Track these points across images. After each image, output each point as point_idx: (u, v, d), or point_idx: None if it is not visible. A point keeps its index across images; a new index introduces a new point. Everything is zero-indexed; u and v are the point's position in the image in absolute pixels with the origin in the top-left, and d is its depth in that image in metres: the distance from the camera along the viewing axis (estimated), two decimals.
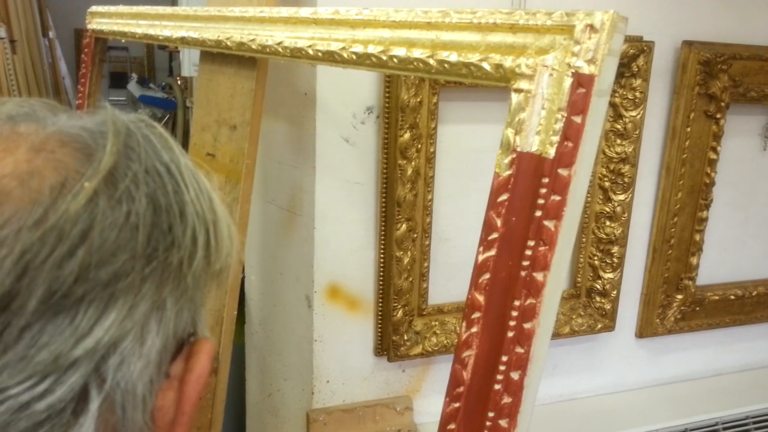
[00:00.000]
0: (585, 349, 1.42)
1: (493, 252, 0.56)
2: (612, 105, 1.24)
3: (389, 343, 1.19)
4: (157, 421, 0.36)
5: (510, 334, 0.55)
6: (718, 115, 1.33)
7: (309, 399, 1.22)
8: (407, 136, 1.09)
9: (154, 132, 0.38)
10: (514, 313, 0.55)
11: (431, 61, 0.62)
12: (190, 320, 0.37)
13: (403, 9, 0.68)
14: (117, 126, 0.36)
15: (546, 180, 0.53)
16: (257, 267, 1.36)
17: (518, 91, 0.55)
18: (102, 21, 1.36)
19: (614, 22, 0.51)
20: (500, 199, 0.56)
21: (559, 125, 0.52)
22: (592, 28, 0.51)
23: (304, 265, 1.18)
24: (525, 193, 0.54)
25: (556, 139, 0.53)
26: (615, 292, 1.34)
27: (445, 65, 0.61)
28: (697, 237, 1.40)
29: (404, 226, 1.14)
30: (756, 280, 1.51)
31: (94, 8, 1.42)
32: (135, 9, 1.25)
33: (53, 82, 5.34)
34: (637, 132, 1.25)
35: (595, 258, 1.32)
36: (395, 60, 0.67)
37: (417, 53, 0.64)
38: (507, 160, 0.55)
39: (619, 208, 1.29)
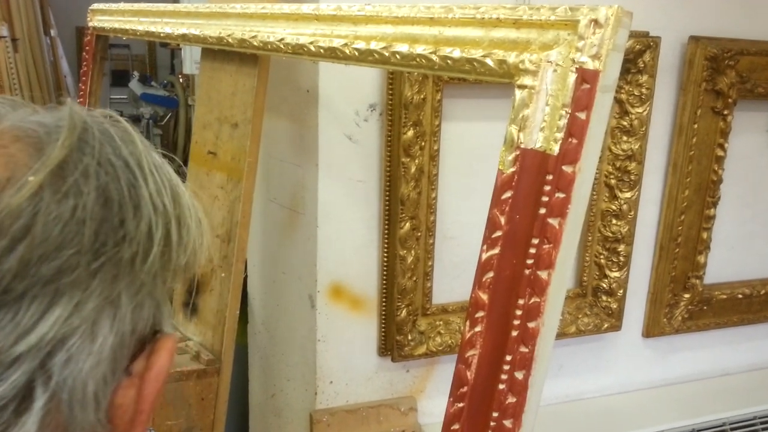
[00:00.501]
0: (591, 348, 1.41)
1: (496, 250, 0.55)
2: (618, 101, 1.23)
3: (393, 343, 1.19)
4: (115, 420, 0.35)
5: (514, 333, 0.55)
6: (726, 112, 1.32)
7: (312, 399, 1.22)
8: (410, 133, 1.08)
9: (117, 126, 0.38)
10: (519, 312, 0.54)
11: (434, 57, 0.61)
12: (151, 316, 0.37)
13: (406, 5, 0.67)
14: (74, 120, 0.35)
15: (550, 177, 0.52)
16: (259, 266, 1.35)
17: (522, 87, 0.54)
18: (103, 18, 1.36)
19: (618, 17, 0.50)
20: (504, 196, 0.55)
21: (563, 121, 0.51)
22: (596, 23, 0.50)
23: (306, 265, 1.17)
24: (529, 190, 0.53)
25: (560, 135, 0.51)
26: (621, 291, 1.32)
27: (448, 61, 0.60)
28: (705, 235, 1.39)
29: (408, 224, 1.13)
30: (764, 278, 1.50)
31: (95, 6, 1.41)
32: (136, 6, 1.24)
33: (55, 80, 5.35)
34: (643, 129, 1.23)
35: (602, 257, 1.31)
36: (398, 56, 0.66)
37: (420, 49, 0.63)
38: (511, 157, 0.54)
39: (625, 206, 1.27)
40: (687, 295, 1.41)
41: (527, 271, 0.54)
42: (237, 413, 1.49)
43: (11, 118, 0.34)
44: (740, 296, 1.46)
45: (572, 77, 0.51)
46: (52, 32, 5.86)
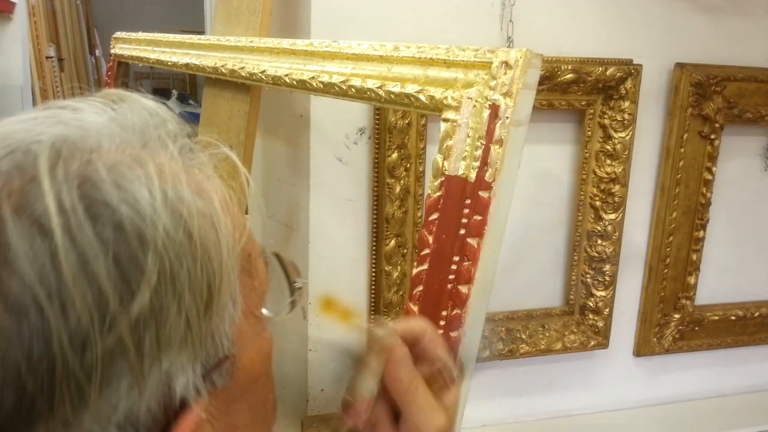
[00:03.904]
0: (581, 366, 1.44)
1: (425, 266, 0.61)
2: (601, 126, 1.27)
3: None
4: None
5: None
6: (713, 136, 1.35)
7: (304, 406, 1.28)
8: (395, 156, 1.15)
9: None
10: (442, 323, 0.60)
11: (380, 92, 0.68)
12: (161, 398, 0.33)
13: (366, 42, 0.74)
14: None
15: (468, 201, 0.58)
16: None
17: (446, 120, 0.60)
18: (124, 46, 1.47)
19: (527, 59, 0.56)
20: (431, 218, 0.61)
21: (479, 152, 0.57)
22: (506, 64, 0.56)
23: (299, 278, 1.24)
24: (451, 212, 0.59)
25: (476, 164, 0.58)
26: (607, 310, 1.36)
27: (391, 95, 0.67)
28: (694, 256, 1.41)
29: (393, 241, 1.19)
30: (758, 301, 1.51)
31: (118, 34, 1.53)
32: (151, 36, 1.35)
33: None
34: (626, 153, 1.28)
35: (588, 276, 1.35)
36: (353, 90, 0.73)
37: (370, 83, 0.70)
38: (437, 183, 0.60)
39: (610, 227, 1.31)
40: (677, 316, 1.43)
41: (449, 286, 0.60)
42: None
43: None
44: (733, 318, 1.48)
45: (486, 113, 0.57)
46: (97, 52, 6.14)
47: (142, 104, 0.39)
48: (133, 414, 0.32)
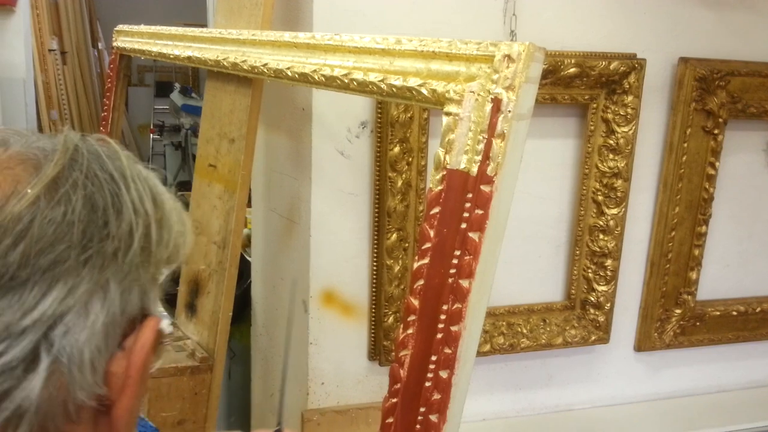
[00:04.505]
0: (582, 361, 1.44)
1: (426, 260, 0.61)
2: (604, 121, 1.27)
3: (381, 348, 1.25)
4: (111, 385, 0.43)
5: (439, 335, 0.60)
6: (716, 131, 1.34)
7: (305, 400, 1.28)
8: (397, 150, 1.15)
9: (108, 147, 0.47)
10: (443, 317, 0.60)
11: (383, 85, 0.68)
12: (139, 300, 0.44)
13: (368, 35, 0.73)
14: (66, 144, 0.44)
15: (470, 195, 0.58)
16: (261, 272, 1.43)
17: (448, 114, 0.60)
18: (126, 39, 1.47)
19: (530, 52, 0.56)
20: (433, 211, 0.61)
21: (481, 146, 0.57)
22: (509, 58, 0.56)
23: (300, 271, 1.25)
24: (453, 207, 0.59)
25: (478, 158, 0.57)
26: (609, 305, 1.35)
27: (393, 89, 0.67)
28: (696, 252, 1.41)
29: (394, 235, 1.19)
30: (760, 296, 1.50)
31: (120, 27, 1.52)
32: (153, 29, 1.34)
33: (101, 91, 5.60)
34: (629, 147, 1.27)
35: (589, 271, 1.34)
36: (355, 83, 0.72)
37: (372, 77, 0.70)
38: (438, 177, 0.60)
39: (612, 222, 1.31)
40: (678, 311, 1.43)
41: (450, 280, 0.59)
42: (241, 411, 1.57)
43: (18, 145, 0.43)
44: (735, 313, 1.47)
45: (489, 106, 0.57)
46: (100, 45, 6.13)
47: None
48: (131, 289, 0.43)
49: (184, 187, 4.90)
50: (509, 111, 0.56)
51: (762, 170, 1.46)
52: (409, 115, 1.15)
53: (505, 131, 0.56)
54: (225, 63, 1.02)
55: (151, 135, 6.07)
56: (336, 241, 1.22)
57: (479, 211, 0.58)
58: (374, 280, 1.23)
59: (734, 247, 1.47)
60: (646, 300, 1.42)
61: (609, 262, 1.33)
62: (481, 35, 0.74)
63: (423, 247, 0.61)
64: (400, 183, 1.17)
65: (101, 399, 0.43)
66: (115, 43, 1.52)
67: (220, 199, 1.12)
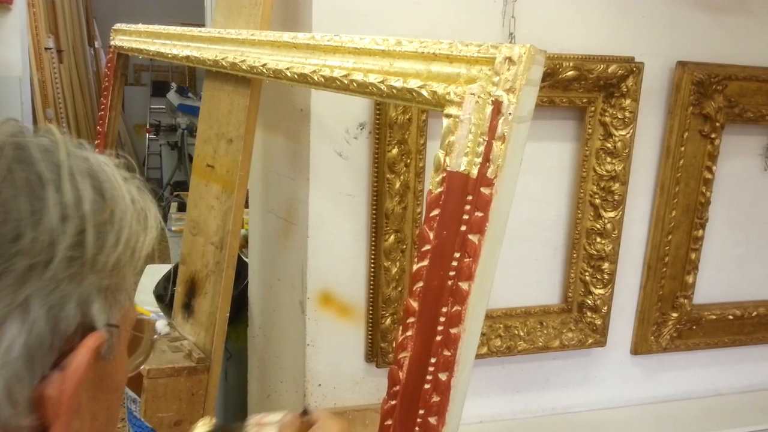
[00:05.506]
0: (578, 363, 1.44)
1: (425, 262, 0.61)
2: (602, 124, 1.27)
3: (378, 350, 1.24)
4: (46, 409, 0.39)
5: (438, 338, 0.60)
6: (713, 135, 1.34)
7: (302, 401, 1.28)
8: (395, 151, 1.15)
9: (50, 138, 0.42)
10: (442, 319, 0.60)
11: (383, 87, 0.68)
12: (77, 315, 0.40)
13: (368, 36, 0.73)
14: None
15: (470, 198, 0.58)
16: (258, 273, 1.43)
17: (448, 116, 0.60)
18: (123, 38, 1.46)
19: (531, 55, 0.56)
20: (432, 213, 0.61)
21: (481, 148, 0.57)
22: (510, 60, 0.56)
23: (298, 272, 1.24)
24: (453, 209, 0.59)
25: (478, 160, 0.57)
26: (606, 308, 1.36)
27: (393, 90, 0.67)
28: (693, 255, 1.41)
29: (392, 237, 1.19)
30: (756, 300, 1.51)
31: (118, 26, 1.52)
32: (151, 28, 1.34)
33: (97, 90, 5.59)
34: (626, 151, 1.27)
35: (586, 274, 1.34)
36: (355, 84, 0.72)
37: (372, 78, 0.70)
38: (438, 179, 0.60)
39: (609, 225, 1.31)
40: (675, 314, 1.43)
41: (450, 282, 0.59)
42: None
43: None
44: (731, 317, 1.48)
45: (489, 109, 0.57)
46: (96, 44, 6.12)
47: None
48: (63, 304, 0.39)
49: (180, 187, 4.89)
50: (510, 113, 0.56)
51: (759, 174, 1.46)
52: (407, 116, 1.15)
53: (506, 134, 0.56)
54: (224, 63, 1.01)
55: (147, 135, 6.06)
56: (333, 242, 1.22)
57: (479, 214, 0.58)
58: (372, 282, 1.23)
59: (731, 251, 1.48)
60: (642, 303, 1.42)
61: (606, 265, 1.33)
62: (480, 37, 0.73)
63: (422, 249, 0.61)
64: (398, 184, 1.17)
65: (35, 426, 0.39)
66: (112, 42, 1.52)
67: (218, 200, 1.12)
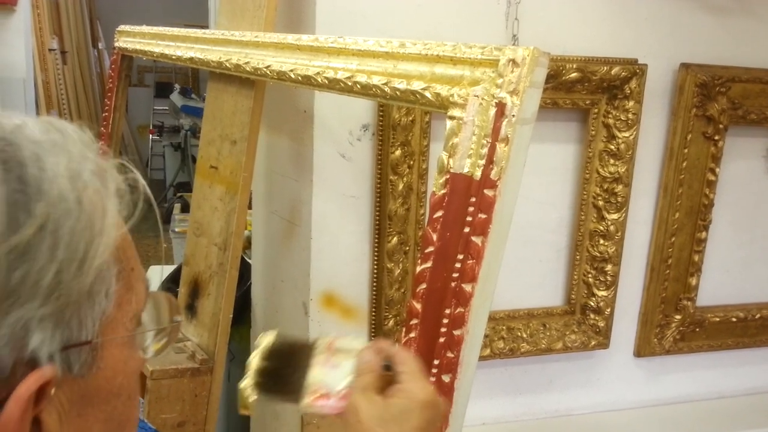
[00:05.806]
0: (581, 366, 1.44)
1: (429, 264, 0.61)
2: (605, 126, 1.27)
3: None
4: None
5: (441, 339, 0.60)
6: (717, 137, 1.34)
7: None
8: (398, 153, 1.15)
9: None
10: (446, 321, 0.60)
11: (386, 88, 0.68)
12: (12, 351, 0.35)
13: (372, 38, 0.74)
14: None
15: (473, 199, 0.58)
16: (261, 274, 1.43)
17: (452, 118, 0.60)
18: (128, 40, 1.47)
19: (535, 57, 0.56)
20: (436, 215, 0.61)
21: (485, 150, 0.57)
22: (514, 62, 0.56)
23: (301, 274, 1.24)
24: (456, 210, 0.59)
25: (482, 162, 0.57)
26: (609, 310, 1.35)
27: (397, 92, 0.67)
28: (696, 257, 1.41)
29: (395, 239, 1.19)
30: (760, 303, 1.50)
31: (122, 27, 1.52)
32: (155, 30, 1.35)
33: (101, 91, 5.60)
34: (630, 152, 1.27)
35: (589, 276, 1.34)
36: (358, 86, 0.73)
37: (375, 80, 0.70)
38: (442, 180, 0.60)
39: (612, 227, 1.31)
40: (678, 317, 1.43)
41: (453, 284, 0.59)
42: (241, 415, 1.57)
43: None
44: (734, 319, 1.47)
45: (493, 110, 0.57)
46: (100, 45, 6.13)
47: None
48: None
49: (183, 188, 4.90)
50: (513, 115, 0.56)
51: (762, 176, 1.46)
52: (410, 118, 1.15)
53: (509, 135, 0.56)
54: (228, 64, 1.02)
55: (151, 136, 6.07)
56: (337, 243, 1.22)
57: (482, 215, 0.58)
58: (374, 283, 1.23)
59: (734, 253, 1.48)
60: (645, 305, 1.42)
61: (609, 267, 1.33)
62: (483, 39, 0.73)
63: (426, 251, 0.61)
64: (401, 186, 1.17)
65: None
66: (117, 44, 1.52)
67: (222, 201, 1.12)
